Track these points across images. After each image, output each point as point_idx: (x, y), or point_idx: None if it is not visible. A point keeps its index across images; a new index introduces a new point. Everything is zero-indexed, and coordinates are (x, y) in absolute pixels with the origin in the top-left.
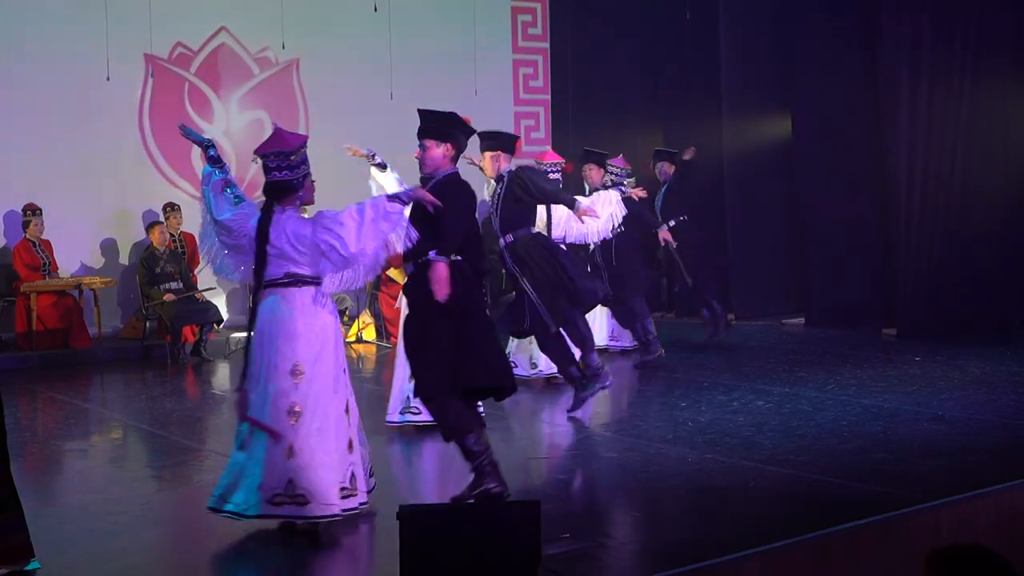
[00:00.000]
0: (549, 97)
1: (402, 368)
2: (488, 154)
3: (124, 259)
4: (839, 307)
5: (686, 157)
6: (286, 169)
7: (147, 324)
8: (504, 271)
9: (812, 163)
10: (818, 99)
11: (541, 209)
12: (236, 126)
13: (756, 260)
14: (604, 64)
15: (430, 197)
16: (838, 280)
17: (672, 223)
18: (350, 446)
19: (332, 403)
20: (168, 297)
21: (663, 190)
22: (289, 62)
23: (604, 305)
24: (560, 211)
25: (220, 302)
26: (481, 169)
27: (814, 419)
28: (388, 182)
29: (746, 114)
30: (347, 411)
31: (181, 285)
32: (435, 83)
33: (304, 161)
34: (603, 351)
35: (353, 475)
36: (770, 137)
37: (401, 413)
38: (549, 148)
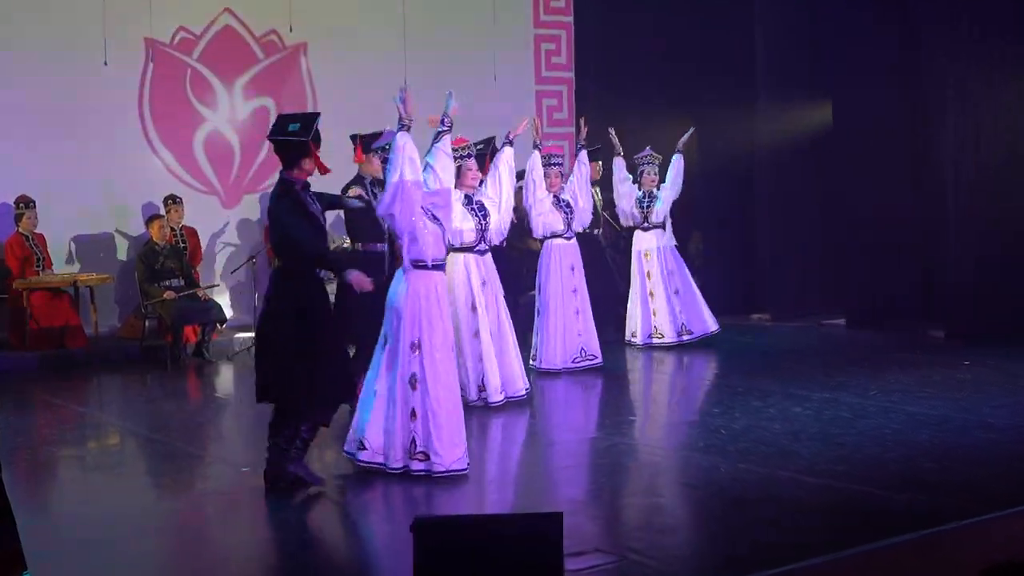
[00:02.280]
0: (573, 79)
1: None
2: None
3: (122, 255)
4: (882, 307)
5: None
6: None
7: (146, 323)
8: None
9: (853, 153)
10: (859, 85)
11: None
12: (240, 114)
13: (792, 257)
14: (630, 47)
15: None
16: (881, 278)
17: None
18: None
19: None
20: (168, 295)
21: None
22: (296, 46)
23: None
24: None
25: (223, 300)
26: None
27: (855, 427)
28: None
29: (782, 101)
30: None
31: (182, 282)
32: (451, 68)
33: None
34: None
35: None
36: (807, 126)
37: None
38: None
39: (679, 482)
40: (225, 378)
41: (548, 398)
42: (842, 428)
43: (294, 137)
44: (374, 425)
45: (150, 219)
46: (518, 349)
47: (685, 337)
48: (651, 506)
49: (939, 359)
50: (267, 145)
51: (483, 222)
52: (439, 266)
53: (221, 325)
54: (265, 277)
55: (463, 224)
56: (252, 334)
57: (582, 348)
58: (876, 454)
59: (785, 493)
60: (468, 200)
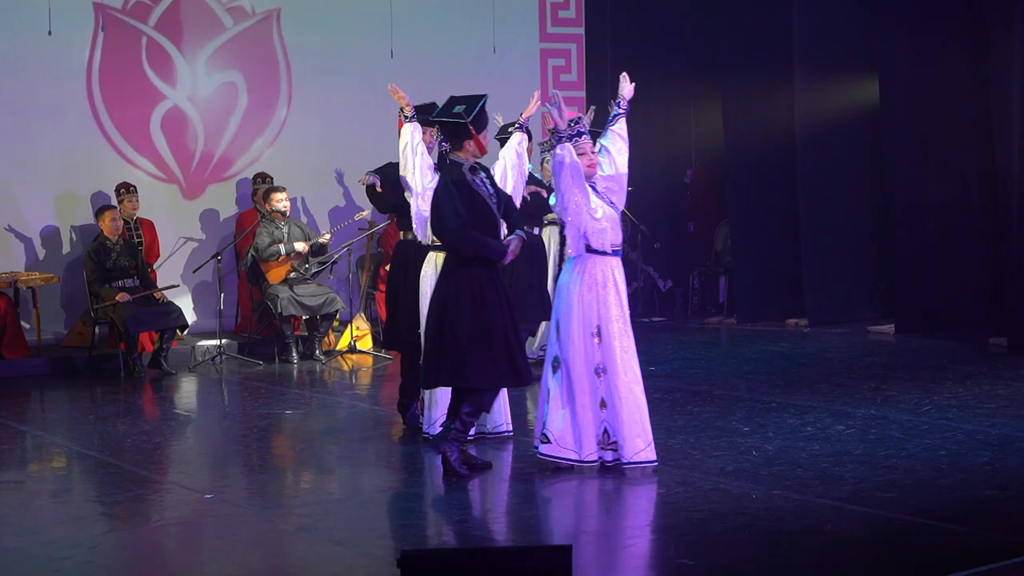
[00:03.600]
0: (583, 56)
1: None
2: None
3: (69, 251)
4: (936, 311)
5: None
6: None
7: (96, 330)
8: None
9: (903, 137)
10: (911, 58)
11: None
12: (204, 90)
13: (835, 254)
14: (651, 18)
15: None
16: (936, 278)
17: None
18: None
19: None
20: (122, 297)
21: None
22: (268, 13)
23: None
24: None
25: (184, 304)
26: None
27: (906, 448)
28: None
29: (823, 77)
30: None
31: (137, 283)
32: (443, 39)
33: None
34: None
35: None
36: (852, 105)
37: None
38: None
39: (704, 511)
40: (186, 392)
41: None
42: (891, 449)
43: (456, 119)
44: (557, 417)
45: (100, 210)
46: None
47: None
48: (671, 537)
49: (1002, 371)
50: (235, 127)
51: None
52: (616, 251)
53: (182, 332)
54: (232, 277)
55: None
56: (216, 342)
57: None
58: (929, 479)
59: (825, 524)
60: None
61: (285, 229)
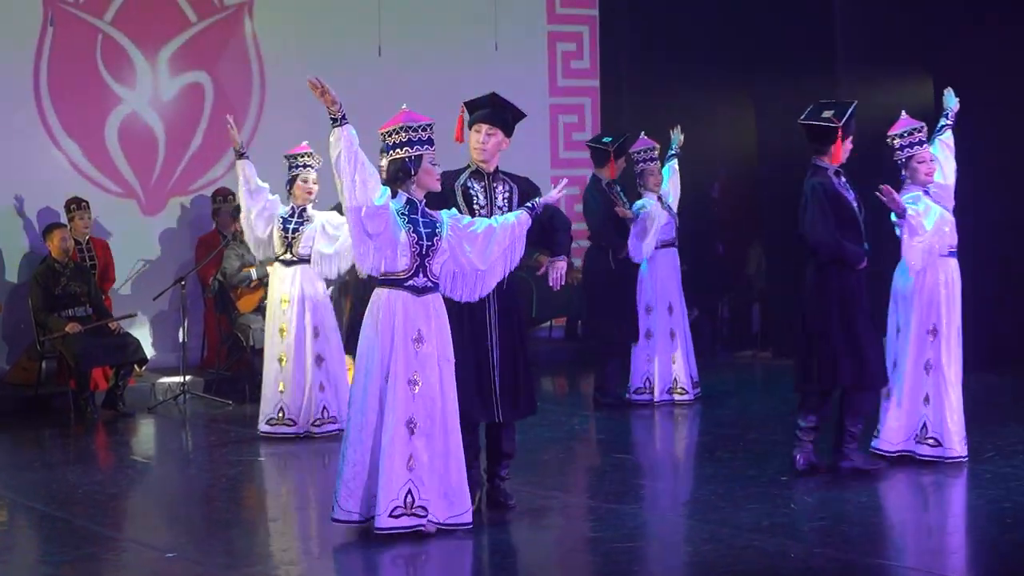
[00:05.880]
0: (598, 60)
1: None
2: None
3: (11, 276)
4: (1000, 344)
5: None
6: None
7: (43, 365)
8: None
9: (962, 148)
10: (970, 61)
11: None
12: (166, 93)
13: (885, 279)
14: (675, 14)
15: None
16: (999, 308)
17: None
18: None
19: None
20: (72, 328)
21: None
22: (238, 6)
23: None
24: None
25: (143, 335)
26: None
27: (965, 500)
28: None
29: (870, 82)
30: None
31: (90, 311)
32: (438, 35)
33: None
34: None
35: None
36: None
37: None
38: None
39: (736, 571)
40: (145, 436)
41: (568, 464)
42: (950, 501)
43: (828, 123)
44: (887, 413)
45: (48, 229)
46: (460, 450)
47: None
48: None
49: None
50: (201, 135)
51: (424, 244)
52: (952, 253)
53: (140, 367)
54: (198, 304)
55: (398, 244)
56: (179, 379)
57: (691, 374)
58: (992, 536)
59: None
60: (412, 207)
61: None
